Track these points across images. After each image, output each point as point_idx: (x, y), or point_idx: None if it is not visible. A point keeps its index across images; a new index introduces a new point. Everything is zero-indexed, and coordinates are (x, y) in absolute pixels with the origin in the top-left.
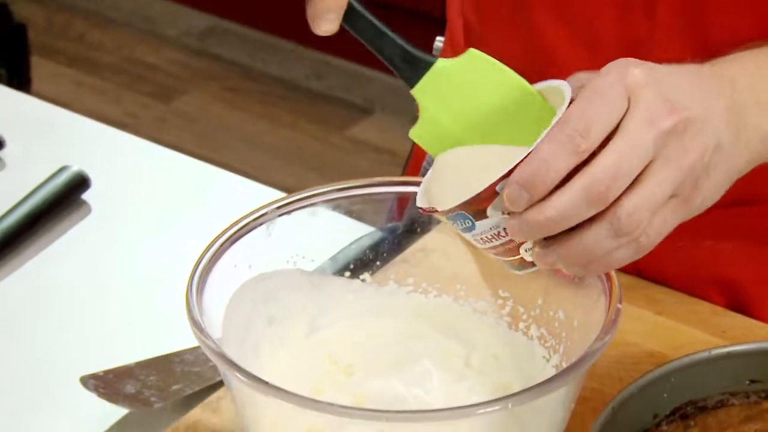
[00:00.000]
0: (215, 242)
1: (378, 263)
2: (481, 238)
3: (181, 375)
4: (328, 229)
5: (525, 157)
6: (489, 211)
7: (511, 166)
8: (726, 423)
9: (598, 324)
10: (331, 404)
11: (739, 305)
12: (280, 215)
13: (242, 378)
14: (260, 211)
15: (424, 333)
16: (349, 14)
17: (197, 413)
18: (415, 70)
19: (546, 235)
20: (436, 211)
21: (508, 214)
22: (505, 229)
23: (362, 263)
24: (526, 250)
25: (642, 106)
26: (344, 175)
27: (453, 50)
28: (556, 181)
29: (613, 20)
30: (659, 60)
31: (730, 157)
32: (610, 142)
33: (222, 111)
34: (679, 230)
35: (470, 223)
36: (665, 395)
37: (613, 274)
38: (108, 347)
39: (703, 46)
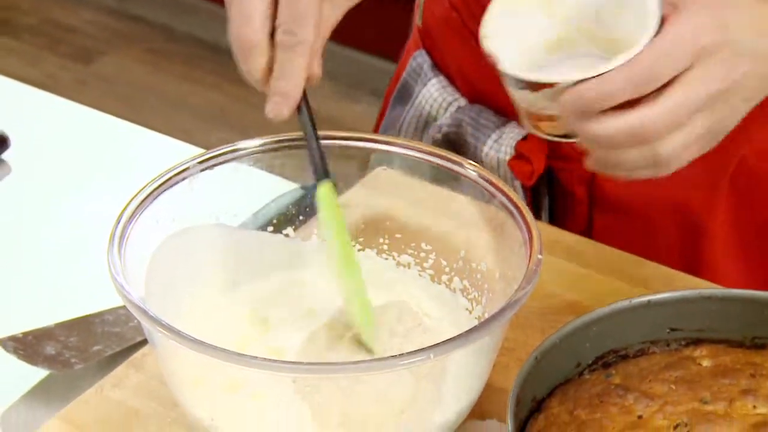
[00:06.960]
0: (136, 197)
1: (301, 218)
2: (526, 101)
3: (101, 336)
4: (250, 185)
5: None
6: (543, 92)
7: (581, 78)
8: (647, 371)
9: (519, 275)
10: (245, 356)
11: (691, 234)
12: (202, 170)
13: (164, 333)
14: (182, 166)
15: None
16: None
17: (122, 370)
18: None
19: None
20: (496, 65)
21: None
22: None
23: (285, 218)
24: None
25: (702, 69)
26: (268, 135)
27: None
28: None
29: None
30: None
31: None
32: (668, 90)
33: (143, 73)
34: None
35: (522, 87)
36: (587, 344)
37: (533, 226)
38: (28, 308)
39: None
